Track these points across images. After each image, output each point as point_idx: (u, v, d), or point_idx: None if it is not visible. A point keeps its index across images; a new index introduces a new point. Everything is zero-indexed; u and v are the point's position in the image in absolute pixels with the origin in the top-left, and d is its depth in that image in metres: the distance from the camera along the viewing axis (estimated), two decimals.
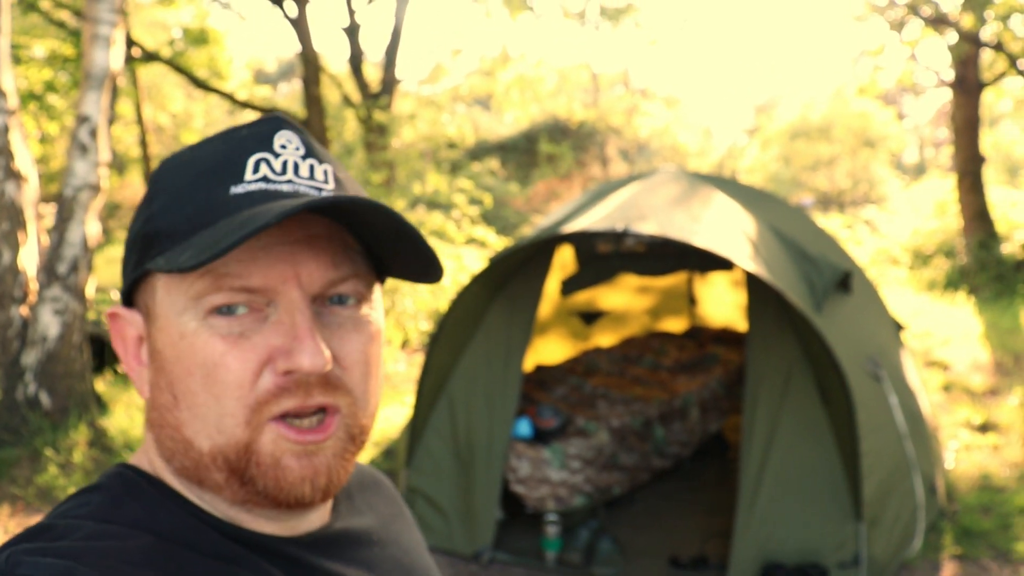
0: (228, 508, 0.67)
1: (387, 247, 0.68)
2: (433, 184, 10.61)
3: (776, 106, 32.84)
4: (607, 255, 5.39)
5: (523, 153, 20.83)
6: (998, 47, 9.91)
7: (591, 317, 6.21)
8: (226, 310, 0.63)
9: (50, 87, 10.55)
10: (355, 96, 12.34)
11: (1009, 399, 6.13)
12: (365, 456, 5.07)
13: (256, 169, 0.65)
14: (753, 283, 3.83)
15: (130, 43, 9.44)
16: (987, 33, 10.24)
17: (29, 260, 5.28)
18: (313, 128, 11.15)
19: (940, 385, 6.56)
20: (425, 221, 9.82)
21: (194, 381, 0.63)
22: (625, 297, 6.46)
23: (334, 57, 29.43)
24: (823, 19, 49.95)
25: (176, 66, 10.92)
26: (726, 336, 6.23)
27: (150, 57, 10.57)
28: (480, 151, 19.76)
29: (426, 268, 0.68)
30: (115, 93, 5.59)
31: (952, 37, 10.61)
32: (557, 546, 3.89)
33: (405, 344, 8.19)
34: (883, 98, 23.00)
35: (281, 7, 11.19)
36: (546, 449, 4.04)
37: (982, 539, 4.06)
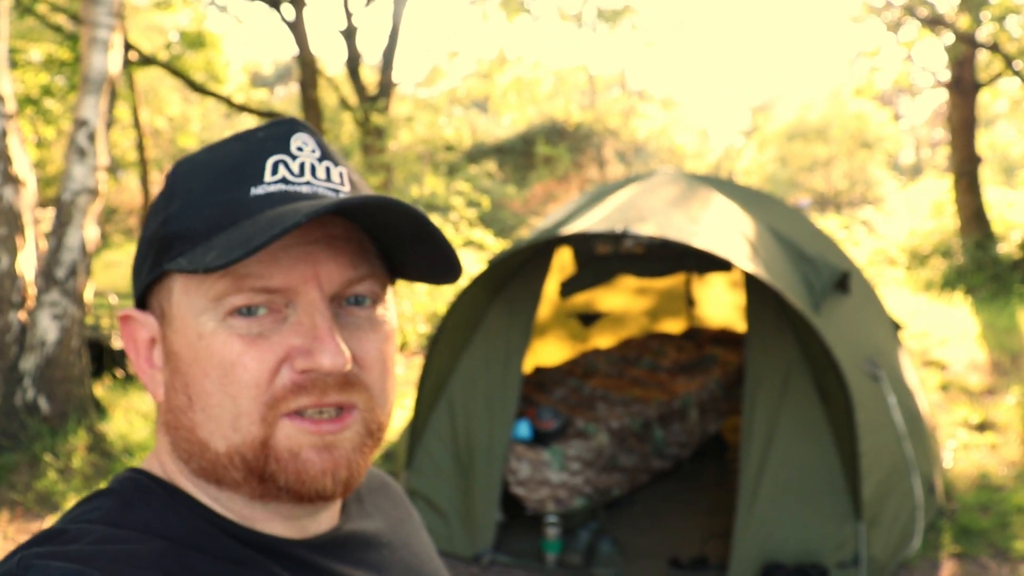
0: (244, 508, 0.67)
1: (405, 248, 0.68)
2: (431, 186, 10.62)
3: (773, 107, 32.89)
4: (606, 257, 5.39)
5: (520, 155, 20.85)
6: (994, 48, 9.93)
7: (590, 319, 6.21)
8: (246, 311, 0.63)
9: (47, 91, 10.55)
10: (352, 99, 12.35)
11: (1006, 398, 6.15)
12: None
13: (275, 171, 0.66)
14: (752, 284, 3.83)
15: (127, 47, 9.43)
16: (983, 34, 10.27)
17: (27, 265, 5.28)
18: None
19: (938, 385, 6.57)
20: None
21: (210, 382, 0.63)
22: (623, 299, 6.47)
23: (331, 60, 29.43)
24: (820, 20, 50.10)
25: (173, 70, 10.92)
26: (724, 337, 6.24)
27: (147, 61, 10.56)
28: (477, 153, 19.78)
29: (446, 269, 0.68)
30: (113, 97, 5.59)
31: (948, 38, 10.64)
32: (557, 548, 3.89)
33: (403, 347, 8.20)
34: (880, 99, 23.05)
35: (278, 10, 11.20)
36: (546, 451, 4.04)
37: (980, 538, 4.07)
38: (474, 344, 4.23)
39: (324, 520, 0.72)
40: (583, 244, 5.13)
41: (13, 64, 9.46)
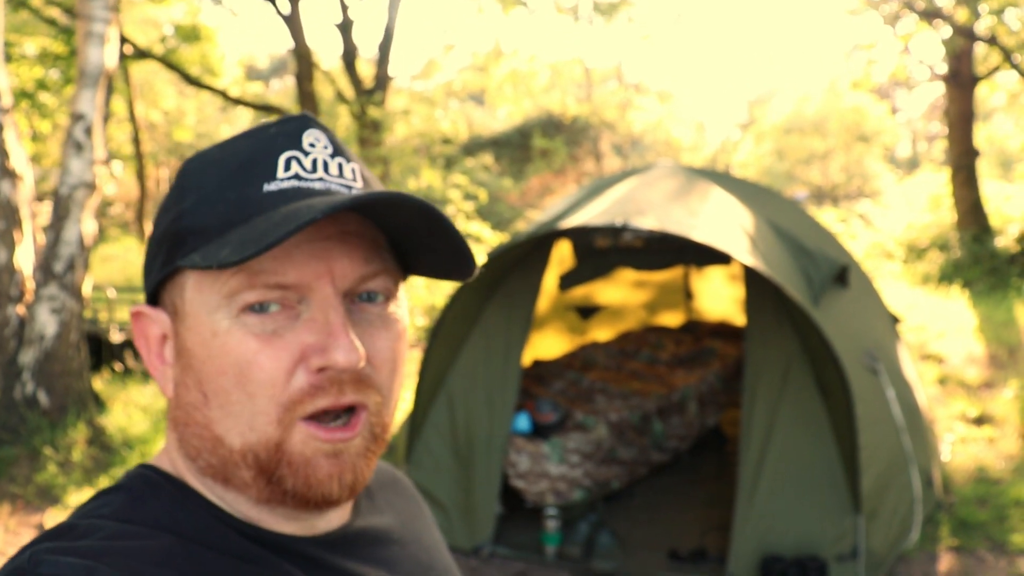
0: (250, 508, 0.67)
1: (419, 244, 0.68)
2: (427, 180, 10.61)
3: (770, 100, 32.87)
4: (605, 250, 5.39)
5: (517, 148, 20.83)
6: (992, 41, 9.94)
7: (588, 312, 6.21)
8: (259, 308, 0.63)
9: (41, 85, 10.51)
10: (348, 92, 12.32)
11: (1004, 392, 6.17)
12: None
13: (288, 167, 0.65)
14: (751, 277, 3.84)
15: (122, 40, 9.39)
16: (981, 27, 10.27)
17: (25, 259, 5.26)
18: None
19: (935, 378, 6.59)
20: None
21: (227, 379, 0.63)
22: (622, 292, 6.47)
23: (327, 53, 29.31)
24: (817, 13, 50.05)
25: (168, 63, 10.89)
26: (723, 330, 6.25)
27: (142, 54, 10.53)
28: (474, 146, 19.75)
29: (460, 265, 0.68)
30: (109, 91, 5.57)
31: (946, 31, 10.64)
32: (557, 540, 3.90)
33: None
34: (877, 92, 23.04)
35: (274, 3, 11.16)
36: (545, 444, 4.05)
37: (978, 531, 4.09)
38: (473, 337, 4.23)
39: (334, 517, 0.72)
40: (582, 237, 5.13)
41: (7, 57, 9.42)
